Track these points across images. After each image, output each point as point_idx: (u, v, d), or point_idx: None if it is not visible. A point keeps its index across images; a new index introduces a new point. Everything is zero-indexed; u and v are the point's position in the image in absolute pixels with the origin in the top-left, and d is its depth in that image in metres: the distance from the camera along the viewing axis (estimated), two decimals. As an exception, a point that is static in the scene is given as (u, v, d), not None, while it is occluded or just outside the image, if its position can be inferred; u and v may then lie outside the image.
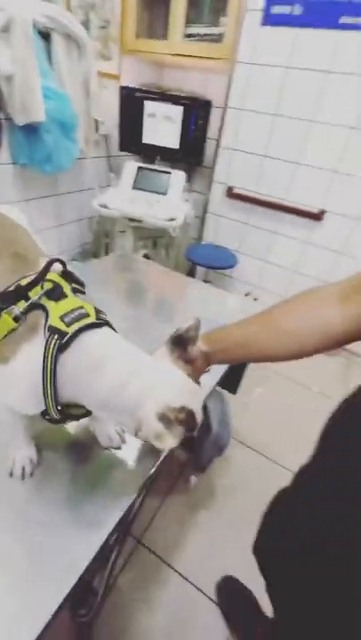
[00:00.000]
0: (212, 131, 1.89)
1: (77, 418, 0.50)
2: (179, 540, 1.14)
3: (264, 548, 0.56)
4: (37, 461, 0.56)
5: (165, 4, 1.77)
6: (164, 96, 1.87)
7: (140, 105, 1.87)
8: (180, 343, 0.49)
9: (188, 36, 1.75)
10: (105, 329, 0.46)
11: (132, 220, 1.84)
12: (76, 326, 0.42)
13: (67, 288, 0.46)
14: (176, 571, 1.07)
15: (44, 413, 0.47)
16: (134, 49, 1.88)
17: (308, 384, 1.78)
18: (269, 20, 1.52)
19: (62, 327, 0.42)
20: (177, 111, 1.85)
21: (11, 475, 0.54)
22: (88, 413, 0.49)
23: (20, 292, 0.43)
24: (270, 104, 1.68)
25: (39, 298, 0.43)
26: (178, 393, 0.44)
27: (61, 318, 0.42)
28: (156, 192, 1.97)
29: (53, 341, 0.41)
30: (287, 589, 0.48)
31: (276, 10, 1.49)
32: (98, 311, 0.46)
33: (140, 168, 2.00)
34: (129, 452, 0.61)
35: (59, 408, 0.44)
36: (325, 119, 1.59)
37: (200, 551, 1.12)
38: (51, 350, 0.41)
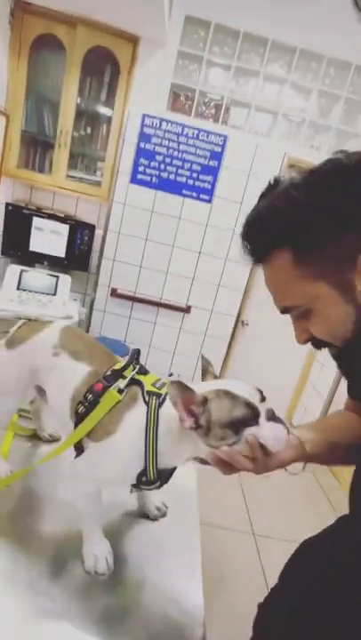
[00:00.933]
0: (96, 242, 2.26)
1: (162, 483, 0.57)
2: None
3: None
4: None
5: (46, 148, 2.17)
6: (52, 215, 2.14)
7: (29, 220, 2.06)
8: (205, 372, 0.62)
9: (70, 176, 2.16)
10: None
11: (28, 319, 1.84)
12: (165, 389, 0.56)
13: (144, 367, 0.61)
14: None
15: (140, 477, 0.53)
16: (16, 176, 2.12)
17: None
18: (136, 181, 2.15)
19: (157, 390, 0.56)
20: (64, 228, 2.14)
21: (95, 572, 0.54)
22: (170, 475, 0.59)
23: (118, 374, 0.57)
24: (142, 232, 2.24)
25: (133, 374, 0.57)
26: (224, 386, 0.51)
27: (153, 385, 0.57)
28: (45, 293, 2.07)
29: (154, 400, 0.54)
30: None
31: (140, 176, 2.14)
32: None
33: (22, 271, 2.08)
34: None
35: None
36: (182, 246, 2.27)
37: None
38: (153, 406, 0.53)
